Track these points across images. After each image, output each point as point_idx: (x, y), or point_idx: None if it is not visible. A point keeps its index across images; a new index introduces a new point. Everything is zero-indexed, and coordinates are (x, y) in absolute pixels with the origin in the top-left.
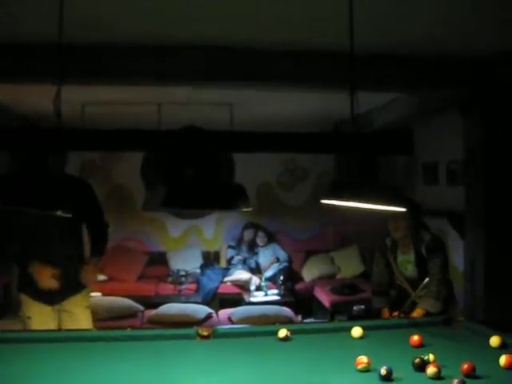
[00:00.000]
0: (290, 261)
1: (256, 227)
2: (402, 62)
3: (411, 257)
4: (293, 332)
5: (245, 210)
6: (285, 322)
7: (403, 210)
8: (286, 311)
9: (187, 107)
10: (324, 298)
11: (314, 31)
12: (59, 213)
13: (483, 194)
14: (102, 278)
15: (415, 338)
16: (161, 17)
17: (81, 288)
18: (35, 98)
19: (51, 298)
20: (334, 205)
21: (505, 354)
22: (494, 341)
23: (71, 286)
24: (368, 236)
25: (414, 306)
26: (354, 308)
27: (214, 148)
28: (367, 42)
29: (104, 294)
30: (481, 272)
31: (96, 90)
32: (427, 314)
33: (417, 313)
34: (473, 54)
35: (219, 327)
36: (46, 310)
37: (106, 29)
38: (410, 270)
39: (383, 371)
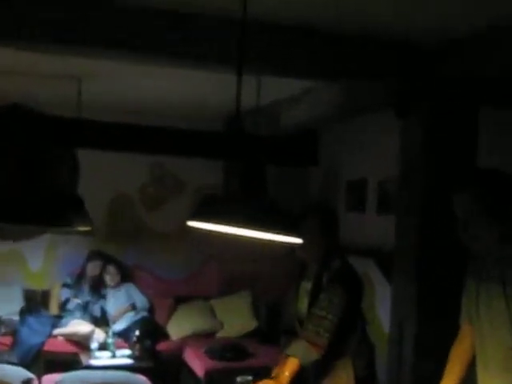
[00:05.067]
0: (151, 310)
1: (105, 259)
2: (318, 38)
3: (309, 285)
4: None
5: (82, 229)
6: None
7: (298, 241)
8: (141, 380)
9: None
10: (197, 363)
11: None
12: None
13: (417, 227)
14: None
15: None
16: None
17: None
18: None
19: None
20: (216, 233)
21: None
22: None
23: None
24: (267, 279)
25: None
26: (238, 380)
27: (42, 136)
28: (268, 9)
29: None
30: (410, 336)
31: None
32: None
33: (287, 368)
34: (410, 39)
35: None
36: None
37: None
38: (304, 305)
39: None
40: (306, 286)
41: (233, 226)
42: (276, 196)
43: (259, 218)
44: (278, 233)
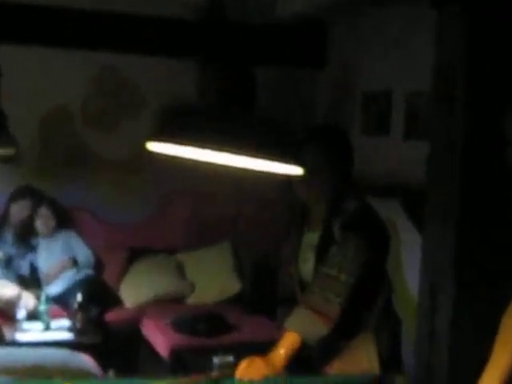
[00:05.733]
0: (97, 266)
1: (35, 198)
2: None
3: (316, 236)
4: None
5: (2, 152)
6: (77, 377)
7: (298, 172)
8: (83, 361)
9: None
10: (159, 339)
11: None
12: None
13: (458, 157)
14: None
15: None
16: None
17: None
18: None
19: None
20: (186, 160)
21: None
22: None
23: None
24: (254, 226)
25: None
26: (215, 361)
27: None
28: None
29: None
30: (446, 307)
31: None
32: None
33: (283, 345)
34: None
35: None
36: None
37: None
38: (309, 264)
39: None
40: (311, 237)
41: (209, 149)
42: (269, 111)
43: (245, 138)
44: (271, 159)
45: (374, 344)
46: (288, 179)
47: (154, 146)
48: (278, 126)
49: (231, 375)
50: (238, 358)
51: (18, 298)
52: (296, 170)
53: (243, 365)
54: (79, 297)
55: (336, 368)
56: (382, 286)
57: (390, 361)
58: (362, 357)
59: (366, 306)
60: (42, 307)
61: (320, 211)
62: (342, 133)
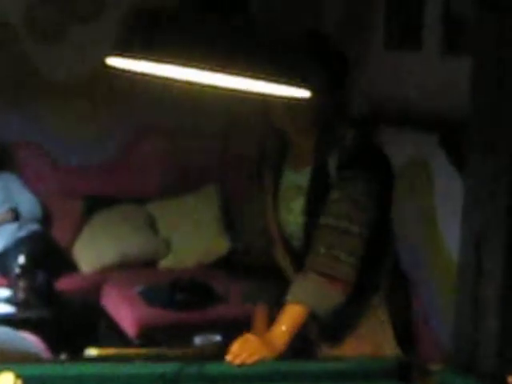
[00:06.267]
0: (45, 220)
1: None
2: None
3: (305, 177)
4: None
5: None
6: (19, 361)
7: (306, 95)
8: (27, 341)
9: None
10: (125, 313)
11: None
12: None
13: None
14: None
15: None
16: None
17: None
18: None
19: None
20: (156, 79)
21: None
22: None
23: None
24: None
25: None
26: (197, 340)
27: None
28: None
29: None
30: (495, 266)
31: None
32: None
33: (287, 320)
34: None
35: None
36: None
37: None
38: (296, 214)
39: None
40: (294, 178)
41: (189, 67)
42: (264, 17)
43: (234, 52)
44: (269, 79)
45: (385, 310)
46: (264, 105)
47: (116, 62)
48: (276, 39)
49: (217, 358)
50: (227, 338)
51: None
52: (302, 93)
53: (235, 345)
54: (21, 259)
55: (345, 347)
56: (388, 240)
57: (406, 329)
58: (374, 326)
59: (378, 262)
60: None
61: (307, 145)
62: (329, 40)
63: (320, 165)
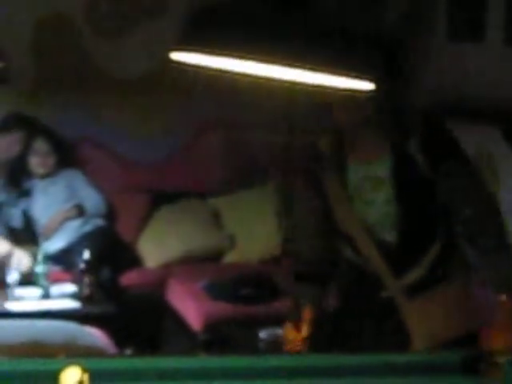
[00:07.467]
0: (110, 216)
1: (29, 129)
2: None
3: (384, 167)
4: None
5: None
6: (85, 355)
7: (369, 87)
8: (93, 336)
9: None
10: (190, 307)
11: None
12: None
13: None
14: None
15: None
16: None
17: None
18: None
19: None
20: (223, 74)
21: None
22: None
23: None
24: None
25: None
26: (262, 335)
27: None
28: None
29: None
30: None
31: None
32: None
33: None
34: None
35: None
36: None
37: None
38: (380, 205)
39: None
40: (367, 169)
41: (253, 60)
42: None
43: (299, 46)
44: (334, 73)
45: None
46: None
47: (180, 57)
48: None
49: None
50: None
51: (9, 256)
52: (366, 86)
53: None
54: (86, 254)
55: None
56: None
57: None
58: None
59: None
60: (39, 268)
61: (374, 135)
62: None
63: (400, 152)
